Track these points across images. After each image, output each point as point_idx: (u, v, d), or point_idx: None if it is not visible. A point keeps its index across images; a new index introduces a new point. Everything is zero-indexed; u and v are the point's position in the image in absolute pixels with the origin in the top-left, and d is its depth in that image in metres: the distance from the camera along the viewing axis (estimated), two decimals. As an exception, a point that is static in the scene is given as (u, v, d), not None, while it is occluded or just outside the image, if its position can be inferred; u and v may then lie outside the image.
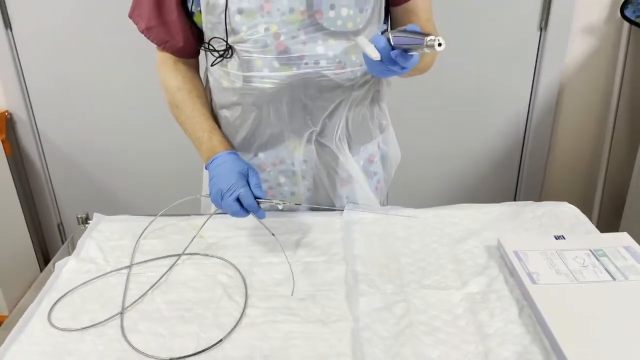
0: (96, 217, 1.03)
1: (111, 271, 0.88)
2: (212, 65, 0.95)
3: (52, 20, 1.79)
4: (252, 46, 0.87)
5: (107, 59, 1.84)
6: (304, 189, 1.04)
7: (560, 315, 0.72)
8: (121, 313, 0.79)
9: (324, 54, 0.87)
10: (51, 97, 1.90)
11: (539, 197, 1.99)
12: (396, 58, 0.72)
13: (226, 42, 0.88)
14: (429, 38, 0.67)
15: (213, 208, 1.07)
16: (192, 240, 0.93)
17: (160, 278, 0.86)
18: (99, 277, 0.87)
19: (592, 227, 0.96)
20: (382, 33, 0.76)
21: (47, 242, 2.15)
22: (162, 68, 0.99)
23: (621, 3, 1.63)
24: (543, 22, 1.75)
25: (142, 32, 0.94)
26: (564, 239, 0.89)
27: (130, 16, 0.94)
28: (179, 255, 0.91)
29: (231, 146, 0.95)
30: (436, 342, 0.72)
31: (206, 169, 0.94)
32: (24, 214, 1.97)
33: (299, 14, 0.85)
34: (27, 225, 1.99)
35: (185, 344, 0.73)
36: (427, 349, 0.70)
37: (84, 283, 0.86)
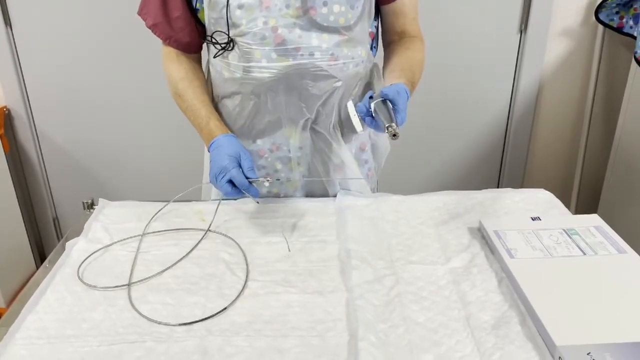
0: (101, 202, 1.08)
1: (117, 241, 0.95)
2: (214, 57, 1.00)
3: (51, 18, 1.82)
4: (252, 38, 0.93)
5: (104, 56, 1.87)
6: (299, 175, 1.09)
7: (535, 284, 0.79)
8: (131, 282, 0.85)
9: (318, 46, 0.93)
10: (49, 94, 1.93)
11: (521, 187, 2.07)
12: (371, 126, 0.88)
13: (228, 35, 0.94)
14: (390, 126, 0.82)
15: (213, 193, 1.13)
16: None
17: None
18: (107, 246, 0.95)
19: (565, 210, 1.04)
20: (370, 97, 0.87)
21: (43, 236, 2.16)
22: (166, 61, 1.04)
23: (595, 7, 1.72)
24: (523, 25, 1.84)
25: (149, 28, 1.00)
26: (540, 220, 0.96)
27: (139, 13, 1.00)
28: (181, 228, 0.97)
29: (228, 129, 1.00)
30: (422, 309, 0.78)
31: (209, 151, 0.99)
32: (20, 208, 1.99)
33: (294, 10, 0.91)
34: (23, 219, 2.01)
35: (192, 312, 0.78)
36: (415, 314, 0.77)
37: (95, 251, 0.93)
